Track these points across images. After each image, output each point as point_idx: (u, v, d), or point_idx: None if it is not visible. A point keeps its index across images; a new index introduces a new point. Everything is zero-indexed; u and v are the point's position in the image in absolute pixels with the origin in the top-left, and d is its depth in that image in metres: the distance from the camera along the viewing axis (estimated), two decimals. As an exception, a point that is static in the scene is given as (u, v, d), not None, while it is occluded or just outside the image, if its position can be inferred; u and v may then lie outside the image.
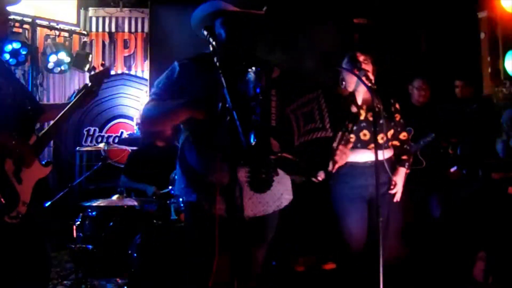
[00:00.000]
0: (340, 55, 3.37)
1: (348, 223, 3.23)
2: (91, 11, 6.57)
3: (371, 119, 3.20)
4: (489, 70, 5.74)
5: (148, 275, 3.69)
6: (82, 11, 6.48)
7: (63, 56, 5.87)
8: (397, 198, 3.29)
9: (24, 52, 5.44)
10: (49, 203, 4.23)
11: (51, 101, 6.00)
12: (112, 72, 6.44)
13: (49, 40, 5.97)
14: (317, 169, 2.20)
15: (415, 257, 3.95)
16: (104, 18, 6.61)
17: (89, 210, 4.20)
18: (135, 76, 6.63)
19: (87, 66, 6.06)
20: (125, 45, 6.67)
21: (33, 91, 5.62)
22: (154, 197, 4.35)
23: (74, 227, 4.04)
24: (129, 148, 5.10)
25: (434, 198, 4.57)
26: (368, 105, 3.25)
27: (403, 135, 3.40)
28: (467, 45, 5.72)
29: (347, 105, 3.23)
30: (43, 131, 2.65)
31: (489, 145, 4.54)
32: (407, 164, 3.37)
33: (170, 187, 4.20)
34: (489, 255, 4.13)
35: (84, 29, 6.50)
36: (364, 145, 3.22)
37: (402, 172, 3.33)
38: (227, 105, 1.97)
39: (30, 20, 5.75)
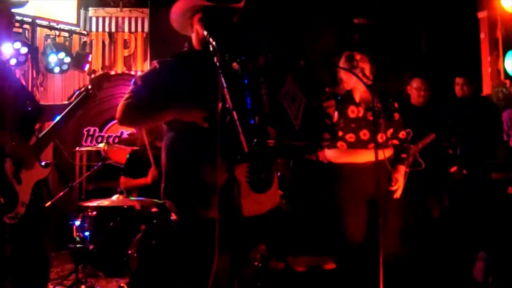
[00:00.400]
0: (340, 55, 3.39)
1: (347, 223, 3.23)
2: (91, 11, 6.58)
3: (370, 118, 3.21)
4: (489, 70, 5.75)
5: (148, 275, 3.69)
6: (82, 11, 6.49)
7: (63, 56, 5.87)
8: (398, 195, 3.29)
9: (24, 52, 5.44)
10: (49, 203, 4.23)
11: (51, 101, 6.00)
12: (112, 72, 6.45)
13: (49, 40, 5.97)
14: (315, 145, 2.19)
15: (415, 257, 3.95)
16: (104, 18, 6.62)
17: (89, 210, 4.20)
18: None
19: (87, 66, 6.07)
20: (125, 45, 6.67)
21: (33, 91, 5.62)
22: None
23: (74, 227, 4.03)
24: (129, 148, 5.10)
25: (434, 198, 4.57)
26: (366, 103, 3.26)
27: (402, 134, 3.40)
28: (467, 45, 5.72)
29: (345, 103, 3.26)
30: (43, 133, 2.65)
31: (489, 145, 4.54)
32: (406, 162, 3.38)
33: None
34: (489, 255, 4.13)
35: (84, 29, 6.50)
36: (364, 144, 3.22)
37: (402, 170, 3.33)
38: (227, 106, 1.97)
39: (30, 20, 5.75)
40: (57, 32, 6.07)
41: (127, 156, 4.93)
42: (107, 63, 6.61)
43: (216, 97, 2.03)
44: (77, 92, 5.95)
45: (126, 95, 2.36)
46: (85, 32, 6.48)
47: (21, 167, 2.48)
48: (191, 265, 2.31)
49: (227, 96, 1.98)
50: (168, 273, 3.65)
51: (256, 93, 1.99)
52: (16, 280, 2.50)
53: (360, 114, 3.24)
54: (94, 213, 4.19)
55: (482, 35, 5.79)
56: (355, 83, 3.22)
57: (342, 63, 3.30)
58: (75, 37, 6.36)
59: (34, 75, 5.85)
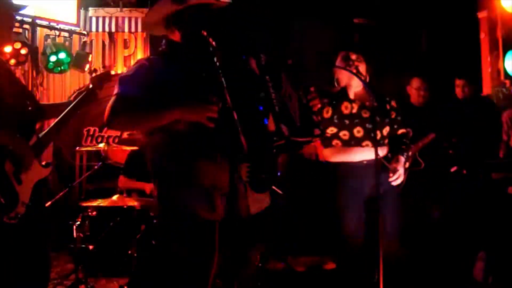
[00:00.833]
0: (337, 55, 3.42)
1: (345, 223, 3.24)
2: (91, 11, 6.57)
3: (365, 115, 3.22)
4: (489, 70, 5.75)
5: (148, 275, 3.69)
6: (82, 11, 6.48)
7: (63, 56, 5.86)
8: (397, 182, 3.21)
9: (24, 52, 5.44)
10: (49, 203, 4.23)
11: (51, 101, 5.99)
12: (112, 72, 6.44)
13: (49, 40, 5.96)
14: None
15: (415, 257, 3.95)
16: (104, 18, 6.61)
17: (89, 210, 4.20)
18: (135, 76, 6.62)
19: (87, 66, 6.07)
20: (125, 45, 6.66)
21: (33, 91, 5.62)
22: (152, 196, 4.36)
23: (74, 227, 4.03)
24: (129, 148, 5.10)
25: (434, 198, 4.57)
26: (361, 100, 3.27)
27: (401, 132, 3.39)
28: (467, 45, 5.72)
29: (339, 100, 3.27)
30: (43, 133, 2.65)
31: (489, 145, 4.54)
32: (405, 153, 3.30)
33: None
34: (489, 255, 4.13)
35: (84, 29, 6.50)
36: (357, 142, 3.21)
37: (401, 160, 3.25)
38: (226, 105, 1.97)
39: (30, 20, 5.75)
40: (57, 32, 6.07)
41: (127, 156, 4.93)
42: (107, 63, 6.60)
43: (212, 95, 2.03)
44: (78, 92, 5.96)
45: (113, 97, 2.21)
46: (85, 32, 6.47)
47: (21, 167, 2.48)
48: (191, 265, 2.30)
49: (227, 96, 1.98)
50: (168, 273, 3.65)
51: (267, 92, 2.00)
52: (16, 280, 2.50)
53: (354, 111, 3.25)
54: (94, 213, 4.20)
55: (482, 35, 5.79)
56: (350, 80, 3.26)
57: (338, 62, 3.36)
58: (75, 37, 6.36)
59: (34, 75, 5.85)
